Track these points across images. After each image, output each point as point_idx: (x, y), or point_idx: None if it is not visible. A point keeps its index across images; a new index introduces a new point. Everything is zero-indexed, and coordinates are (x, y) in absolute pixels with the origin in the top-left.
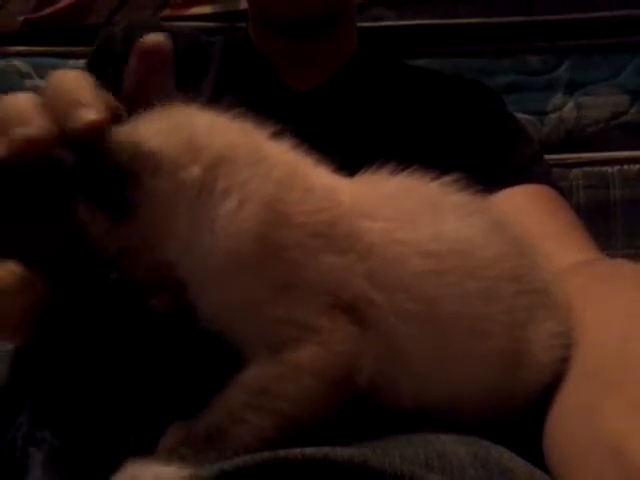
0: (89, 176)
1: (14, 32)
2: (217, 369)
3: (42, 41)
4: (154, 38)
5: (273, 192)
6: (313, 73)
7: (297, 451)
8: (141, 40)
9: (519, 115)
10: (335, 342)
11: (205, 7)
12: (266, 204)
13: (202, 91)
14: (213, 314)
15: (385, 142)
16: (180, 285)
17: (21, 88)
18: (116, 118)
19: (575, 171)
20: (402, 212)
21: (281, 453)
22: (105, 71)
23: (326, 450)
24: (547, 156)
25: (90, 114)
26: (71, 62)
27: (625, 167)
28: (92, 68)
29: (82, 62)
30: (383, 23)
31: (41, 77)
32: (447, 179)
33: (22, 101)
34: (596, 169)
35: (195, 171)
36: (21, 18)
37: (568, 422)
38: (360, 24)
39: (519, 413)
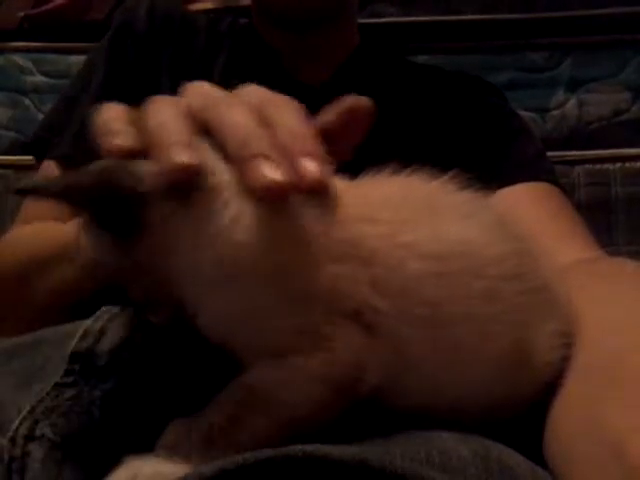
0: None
1: (14, 28)
2: (218, 367)
3: (42, 37)
4: (361, 100)
5: None
6: (314, 68)
7: (298, 449)
8: (350, 98)
9: (521, 112)
10: (341, 350)
11: (206, 3)
12: None
13: (212, 76)
14: (215, 325)
15: (387, 138)
16: (179, 300)
17: (21, 83)
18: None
19: (577, 168)
20: (403, 214)
21: (282, 451)
22: (125, 50)
23: (327, 448)
24: (549, 153)
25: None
26: (72, 58)
27: (627, 164)
28: (112, 45)
29: (82, 58)
30: (385, 19)
31: (41, 73)
32: (448, 178)
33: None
34: (598, 166)
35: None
36: (21, 14)
37: (569, 420)
38: (362, 20)
39: (521, 412)
